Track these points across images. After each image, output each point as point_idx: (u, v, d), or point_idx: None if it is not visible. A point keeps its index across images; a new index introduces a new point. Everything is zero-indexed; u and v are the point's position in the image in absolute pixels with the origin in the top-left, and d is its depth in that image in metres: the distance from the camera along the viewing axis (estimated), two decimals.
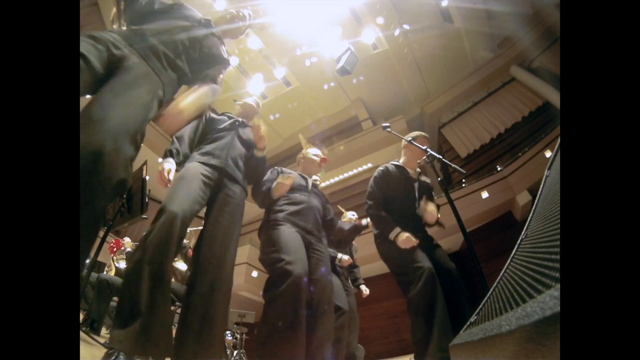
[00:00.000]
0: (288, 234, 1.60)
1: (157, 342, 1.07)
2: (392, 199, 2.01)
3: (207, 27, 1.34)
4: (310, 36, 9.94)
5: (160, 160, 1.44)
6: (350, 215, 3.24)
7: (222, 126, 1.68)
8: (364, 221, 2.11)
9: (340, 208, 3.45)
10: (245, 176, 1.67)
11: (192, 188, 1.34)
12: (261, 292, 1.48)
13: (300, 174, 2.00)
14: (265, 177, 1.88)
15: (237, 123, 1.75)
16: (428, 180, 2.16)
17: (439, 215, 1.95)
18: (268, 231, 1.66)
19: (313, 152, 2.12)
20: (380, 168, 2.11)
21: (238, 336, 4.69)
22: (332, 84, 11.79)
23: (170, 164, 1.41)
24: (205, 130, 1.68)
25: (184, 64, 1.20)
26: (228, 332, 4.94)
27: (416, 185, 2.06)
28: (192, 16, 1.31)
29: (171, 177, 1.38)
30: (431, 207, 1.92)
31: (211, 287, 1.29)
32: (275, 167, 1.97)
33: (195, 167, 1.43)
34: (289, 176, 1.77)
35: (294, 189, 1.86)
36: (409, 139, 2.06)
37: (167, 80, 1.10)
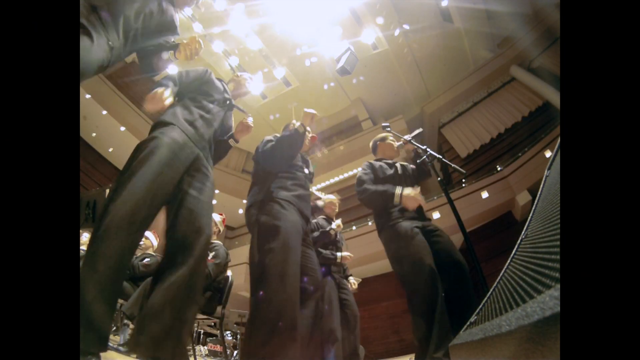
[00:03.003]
0: (292, 224, 1.46)
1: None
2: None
3: None
4: (310, 36, 9.95)
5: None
6: (330, 197, 2.87)
7: (215, 97, 1.61)
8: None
9: (316, 193, 2.91)
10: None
11: (170, 161, 1.23)
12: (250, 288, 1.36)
13: (300, 154, 1.83)
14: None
15: (228, 102, 1.69)
16: (410, 167, 2.19)
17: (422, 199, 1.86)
18: (273, 210, 1.48)
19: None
20: (364, 164, 2.14)
21: (238, 336, 4.69)
22: (332, 84, 11.81)
23: (167, 90, 1.32)
24: (200, 87, 1.59)
25: (138, 32, 1.23)
26: (228, 332, 4.93)
27: (400, 169, 2.10)
28: None
29: (168, 102, 1.31)
30: (414, 192, 1.84)
31: (196, 264, 1.20)
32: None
33: (177, 137, 1.32)
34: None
35: (296, 166, 1.71)
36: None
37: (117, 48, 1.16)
